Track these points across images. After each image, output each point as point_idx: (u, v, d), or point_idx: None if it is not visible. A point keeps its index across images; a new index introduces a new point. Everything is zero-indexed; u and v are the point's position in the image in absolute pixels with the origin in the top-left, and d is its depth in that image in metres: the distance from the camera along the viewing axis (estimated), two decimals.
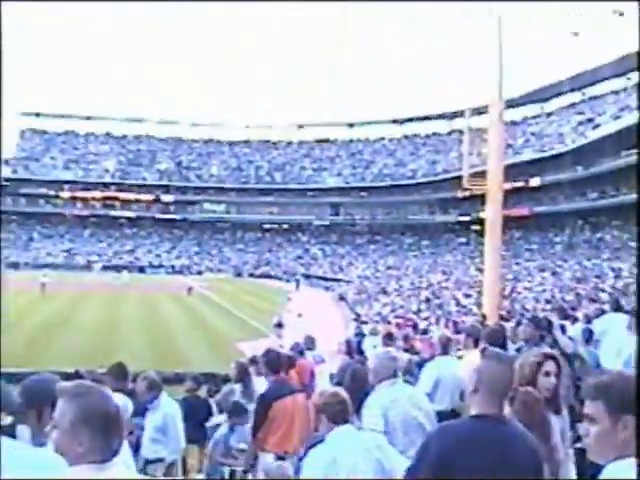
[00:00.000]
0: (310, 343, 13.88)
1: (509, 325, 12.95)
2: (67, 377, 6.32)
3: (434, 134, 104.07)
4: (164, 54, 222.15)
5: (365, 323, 33.50)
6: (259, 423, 7.39)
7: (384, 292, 54.81)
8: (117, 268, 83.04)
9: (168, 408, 7.79)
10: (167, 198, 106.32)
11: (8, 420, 3.73)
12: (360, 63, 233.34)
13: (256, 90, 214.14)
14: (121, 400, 7.32)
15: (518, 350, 8.27)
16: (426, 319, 37.00)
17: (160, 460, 7.64)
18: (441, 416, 6.35)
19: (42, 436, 3.28)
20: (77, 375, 6.84)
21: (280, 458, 7.19)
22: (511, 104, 63.32)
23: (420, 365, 9.91)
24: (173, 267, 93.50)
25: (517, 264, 58.31)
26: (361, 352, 14.09)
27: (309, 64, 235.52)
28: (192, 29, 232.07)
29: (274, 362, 7.78)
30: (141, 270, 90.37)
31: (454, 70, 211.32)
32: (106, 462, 2.59)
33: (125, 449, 3.80)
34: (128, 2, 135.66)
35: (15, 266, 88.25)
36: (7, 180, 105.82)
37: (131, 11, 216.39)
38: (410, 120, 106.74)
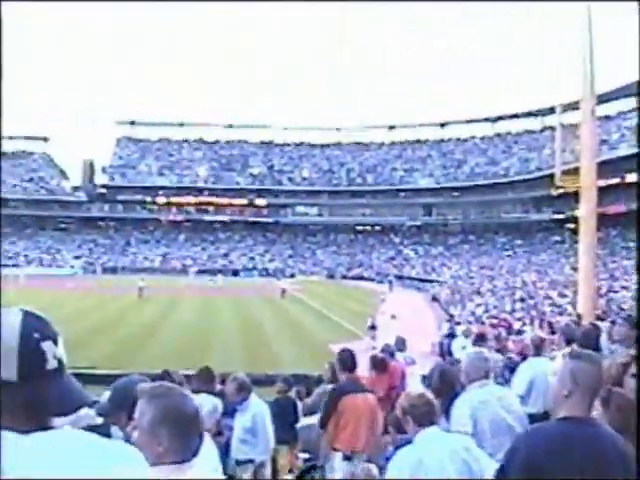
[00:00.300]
0: (401, 344, 13.83)
1: (605, 325, 12.66)
2: (156, 378, 6.39)
3: (526, 131, 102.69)
4: (164, 54, 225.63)
5: (458, 324, 33.24)
6: (328, 415, 7.52)
7: (478, 292, 54.26)
8: (212, 272, 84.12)
9: (257, 409, 7.83)
10: (260, 202, 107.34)
11: (99, 421, 3.81)
12: (360, 63, 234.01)
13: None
14: (211, 401, 7.40)
15: (613, 351, 8.06)
16: (520, 319, 36.51)
17: (250, 461, 7.69)
18: (534, 419, 6.23)
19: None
20: (166, 376, 6.92)
21: (347, 458, 7.24)
22: (605, 99, 62.00)
23: (511, 367, 9.74)
24: (266, 270, 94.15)
25: (613, 262, 57.00)
26: (451, 353, 13.98)
27: (309, 64, 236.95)
28: (192, 29, 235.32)
29: (347, 360, 7.87)
30: (235, 273, 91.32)
31: (455, 70, 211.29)
32: (185, 462, 2.59)
33: (211, 450, 3.82)
34: (128, 2, 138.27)
35: (113, 271, 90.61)
36: (104, 187, 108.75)
37: (131, 11, 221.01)
38: (502, 118, 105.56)
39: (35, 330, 1.79)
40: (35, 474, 1.65)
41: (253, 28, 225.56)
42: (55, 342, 1.83)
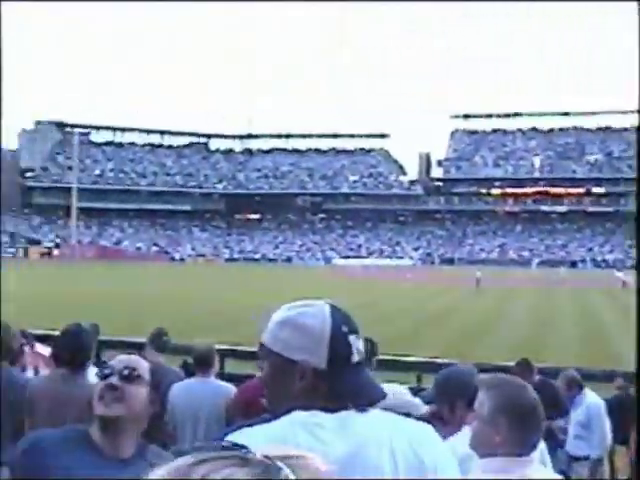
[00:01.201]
0: None
1: None
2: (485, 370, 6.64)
3: None
4: (164, 54, 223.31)
5: None
6: None
7: None
8: (553, 263, 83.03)
9: (592, 404, 7.74)
10: (598, 190, 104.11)
11: (423, 410, 4.07)
12: (360, 63, 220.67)
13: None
14: None
15: None
16: None
17: (585, 458, 7.61)
18: None
19: (454, 429, 3.53)
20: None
21: None
22: None
23: None
24: (605, 261, 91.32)
25: None
26: None
27: (309, 64, 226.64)
28: (192, 29, 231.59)
29: None
30: (573, 264, 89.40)
31: (455, 70, 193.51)
32: (523, 456, 2.65)
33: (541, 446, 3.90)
34: (128, 2, 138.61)
35: (450, 261, 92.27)
36: (440, 180, 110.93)
37: (131, 11, 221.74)
38: None
39: (343, 323, 1.91)
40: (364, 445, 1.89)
41: (253, 28, 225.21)
42: (358, 337, 2.07)
